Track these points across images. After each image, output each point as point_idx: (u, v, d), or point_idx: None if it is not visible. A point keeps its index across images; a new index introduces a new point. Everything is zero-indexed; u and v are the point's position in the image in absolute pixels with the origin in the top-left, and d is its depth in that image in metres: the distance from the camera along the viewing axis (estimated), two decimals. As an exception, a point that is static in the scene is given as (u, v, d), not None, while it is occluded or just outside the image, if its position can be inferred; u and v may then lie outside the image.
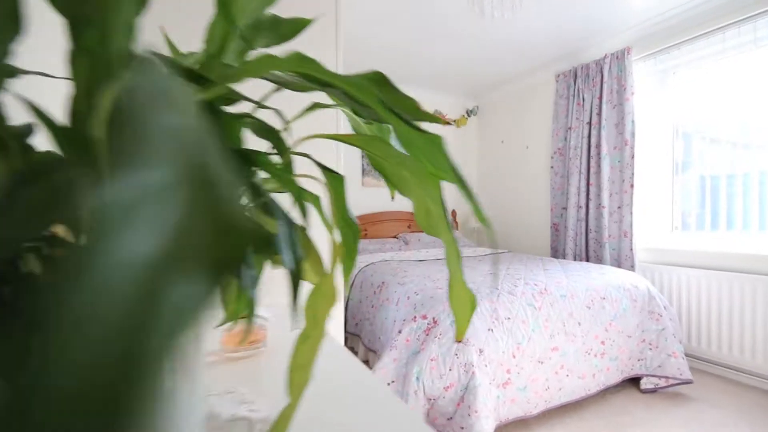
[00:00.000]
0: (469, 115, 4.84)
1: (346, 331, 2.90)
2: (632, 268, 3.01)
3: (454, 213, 4.63)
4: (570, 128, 3.51)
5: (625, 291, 2.36)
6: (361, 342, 2.57)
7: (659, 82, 3.11)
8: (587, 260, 3.38)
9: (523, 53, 3.57)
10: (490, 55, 3.59)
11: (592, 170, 3.31)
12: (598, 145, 3.28)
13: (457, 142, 4.80)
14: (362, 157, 4.18)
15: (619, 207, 3.15)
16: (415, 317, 1.88)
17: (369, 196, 4.27)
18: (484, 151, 4.83)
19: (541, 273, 2.48)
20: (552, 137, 3.73)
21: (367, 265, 3.02)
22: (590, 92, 3.35)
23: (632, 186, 3.06)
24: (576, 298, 2.18)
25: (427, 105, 4.59)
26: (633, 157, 3.06)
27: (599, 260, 3.25)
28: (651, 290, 2.45)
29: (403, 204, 4.45)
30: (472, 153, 4.92)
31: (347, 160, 4.16)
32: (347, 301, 2.95)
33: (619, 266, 3.12)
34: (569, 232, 3.45)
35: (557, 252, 3.68)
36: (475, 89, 4.56)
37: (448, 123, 4.68)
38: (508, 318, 1.93)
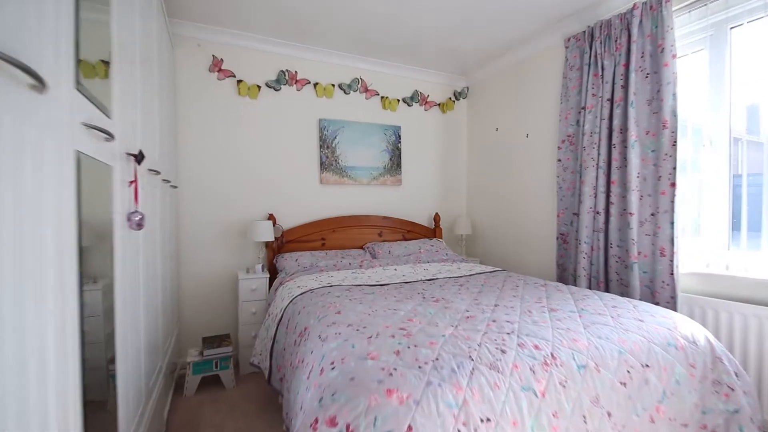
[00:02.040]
0: (457, 98, 3.97)
1: (269, 382, 2.06)
2: (673, 301, 2.15)
3: (436, 217, 3.77)
4: (584, 108, 2.64)
5: (677, 350, 1.50)
6: (282, 408, 1.73)
7: (712, 40, 2.24)
8: (606, 287, 2.51)
9: (521, 12, 2.70)
10: (480, 20, 2.72)
11: (614, 164, 2.44)
12: (624, 129, 2.42)
13: (442, 131, 3.94)
14: (321, 147, 3.33)
15: (653, 214, 2.29)
16: (316, 420, 1.03)
17: (329, 195, 3.41)
18: (475, 141, 3.97)
19: (544, 317, 1.62)
20: (560, 122, 2.87)
21: (303, 293, 2.17)
22: (612, 58, 2.49)
23: (673, 185, 2.19)
24: (604, 369, 1.33)
25: (406, 86, 3.72)
26: (675, 144, 2.20)
27: (624, 287, 2.39)
28: (715, 346, 1.59)
29: (376, 204, 3.59)
30: (460, 144, 4.05)
31: (300, 151, 3.30)
32: (273, 341, 2.10)
33: (653, 298, 2.26)
34: (582, 247, 2.59)
35: (566, 271, 2.82)
36: (464, 65, 3.69)
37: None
38: (488, 420, 1.08)
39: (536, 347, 1.32)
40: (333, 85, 3.38)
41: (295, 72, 3.23)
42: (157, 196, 1.91)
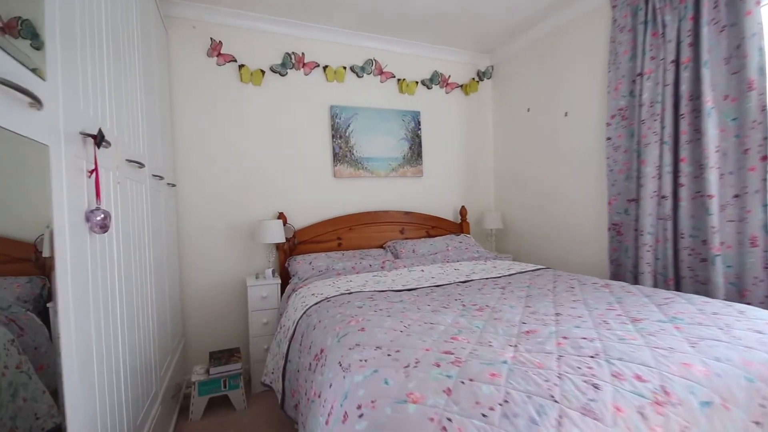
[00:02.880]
0: (481, 79, 3.59)
1: (282, 408, 1.75)
2: (772, 301, 1.74)
3: (463, 210, 3.40)
4: (641, 75, 2.25)
5: (820, 373, 1.11)
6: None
7: (809, -22, 1.81)
8: (677, 285, 2.11)
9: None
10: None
11: (683, 138, 2.04)
12: (695, 96, 2.01)
13: (465, 116, 3.56)
14: (333, 137, 3.00)
15: (737, 195, 1.88)
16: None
17: (344, 190, 3.09)
18: (502, 125, 3.58)
19: (630, 331, 1.25)
20: (608, 94, 2.47)
21: (318, 302, 1.84)
22: (675, 13, 2.08)
23: (765, 158, 1.78)
24: (733, 405, 0.96)
25: (425, 67, 3.37)
26: (765, 108, 1.79)
27: (701, 284, 1.98)
28: None
29: (396, 198, 3.25)
30: (485, 129, 3.67)
31: (310, 142, 2.98)
32: (285, 359, 1.79)
33: (741, 297, 1.85)
34: (644, 238, 2.19)
35: (621, 267, 2.42)
36: (488, 42, 3.31)
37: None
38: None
39: (638, 378, 0.96)
40: (344, 68, 3.05)
41: (302, 54, 2.91)
42: (142, 193, 1.61)
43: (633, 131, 2.33)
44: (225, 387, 2.27)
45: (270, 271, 2.58)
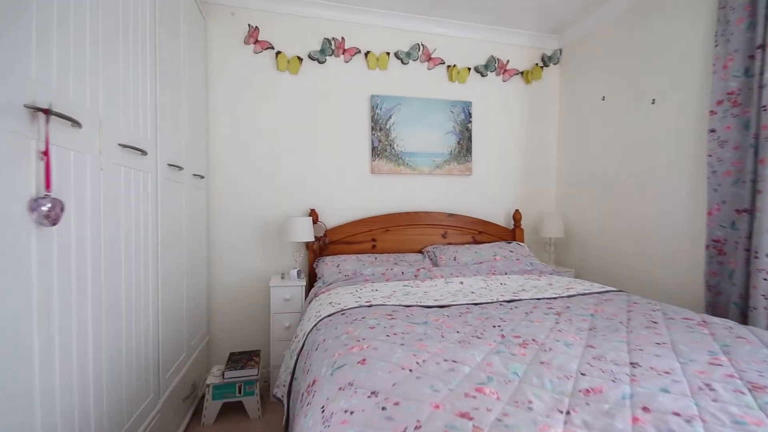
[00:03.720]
0: (545, 64, 3.13)
1: (286, 429, 1.55)
2: None
3: (516, 215, 2.98)
4: (762, 47, 1.70)
5: None
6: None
7: None
8: (813, 327, 1.55)
9: None
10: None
11: (830, 128, 1.48)
12: None
13: (525, 107, 3.12)
14: (372, 129, 2.76)
15: None
16: None
17: (381, 188, 2.83)
18: (570, 117, 3.08)
19: (755, 413, 0.83)
20: (713, 74, 1.93)
21: (332, 314, 1.61)
22: (825, -41, 1.52)
23: None
24: None
25: (479, 51, 2.99)
26: None
27: None
28: None
29: (439, 198, 2.93)
30: (549, 122, 3.19)
31: (347, 134, 2.76)
32: (292, 375, 1.57)
33: None
34: (761, 262, 1.65)
35: (721, 296, 1.88)
36: (556, 21, 2.85)
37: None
38: None
39: None
40: (388, 54, 2.79)
41: (342, 39, 2.70)
42: (145, 183, 1.48)
43: (748, 121, 1.78)
44: (240, 393, 2.13)
45: (295, 271, 2.40)
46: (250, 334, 2.59)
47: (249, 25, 2.54)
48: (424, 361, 1.04)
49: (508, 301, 1.79)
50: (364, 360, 1.04)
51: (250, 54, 2.58)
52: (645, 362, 1.07)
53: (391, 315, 1.50)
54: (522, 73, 3.10)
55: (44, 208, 0.85)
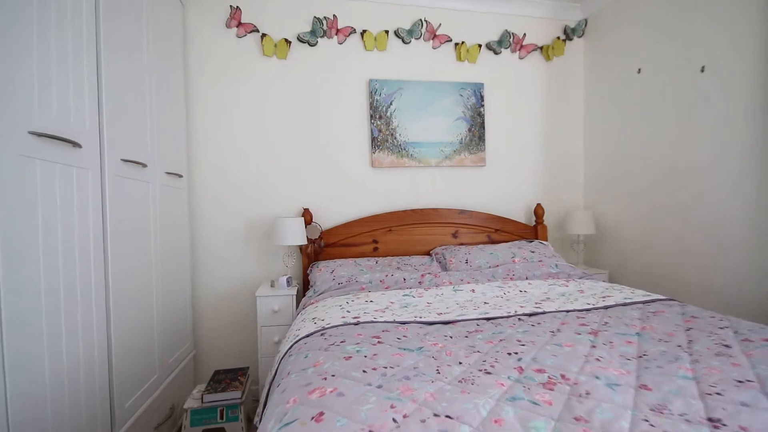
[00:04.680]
0: (569, 37, 2.74)
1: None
2: None
3: (538, 210, 2.62)
4: None
5: None
6: None
7: None
8: None
9: None
10: None
11: None
12: None
13: (546, 86, 2.75)
14: (372, 118, 2.46)
15: None
16: None
17: (383, 183, 2.53)
18: (599, 96, 2.68)
19: None
20: (786, 26, 1.53)
21: (311, 334, 1.32)
22: None
23: None
24: None
25: (492, 25, 2.64)
26: None
27: None
28: None
29: (449, 192, 2.60)
30: (574, 103, 2.81)
31: (343, 124, 2.48)
32: (264, 405, 1.29)
33: None
34: None
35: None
36: (581, -17, 2.47)
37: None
38: None
39: None
40: (387, 33, 2.48)
41: (335, 17, 2.42)
42: (82, 181, 1.23)
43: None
44: (222, 418, 1.87)
45: (284, 279, 2.14)
46: (240, 349, 2.35)
47: (230, 6, 2.29)
48: (404, 417, 0.74)
49: (529, 315, 1.46)
50: (321, 415, 0.74)
51: (233, 39, 2.33)
52: (731, 418, 0.73)
53: (378, 337, 1.20)
54: (541, 48, 2.72)
55: None
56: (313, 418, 0.74)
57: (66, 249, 1.16)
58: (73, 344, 1.18)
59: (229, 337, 2.34)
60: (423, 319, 1.41)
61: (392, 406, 0.77)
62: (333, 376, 0.92)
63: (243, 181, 2.36)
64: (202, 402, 1.86)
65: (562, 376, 0.92)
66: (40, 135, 1.04)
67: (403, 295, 1.75)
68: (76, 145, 1.18)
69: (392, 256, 2.41)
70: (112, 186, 1.41)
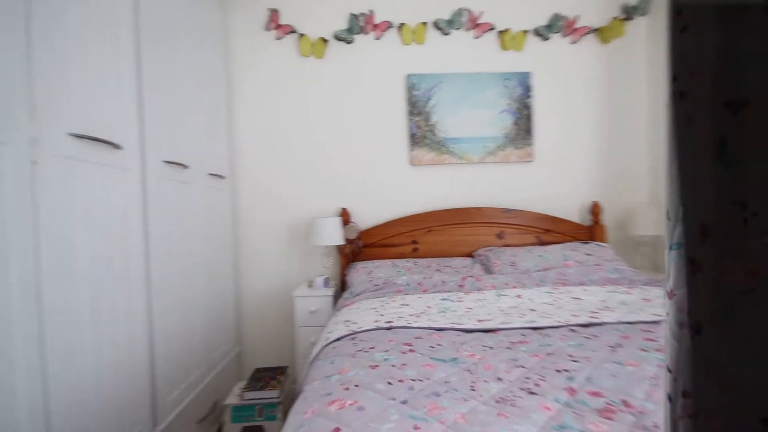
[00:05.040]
0: (629, 17, 2.47)
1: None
2: None
3: (595, 208, 2.38)
4: None
5: None
6: None
7: None
8: None
9: None
10: None
11: None
12: None
13: (602, 72, 2.50)
14: (410, 114, 2.38)
15: None
16: None
17: (422, 181, 2.44)
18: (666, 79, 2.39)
19: None
20: None
21: (340, 338, 1.27)
22: None
23: None
24: None
25: (539, 9, 2.45)
26: None
27: None
28: None
29: (493, 190, 2.45)
30: (636, 89, 2.52)
31: (381, 121, 2.42)
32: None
33: None
34: None
35: None
36: (644, -47, 2.20)
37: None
38: None
39: None
40: (425, 25, 2.39)
41: (371, 13, 2.37)
42: (113, 182, 1.28)
43: None
44: (260, 416, 1.89)
45: (321, 279, 2.12)
46: (280, 347, 2.37)
47: (269, 9, 2.33)
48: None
49: (584, 326, 1.30)
50: (336, 431, 0.68)
51: (272, 41, 2.36)
52: None
53: (410, 344, 1.12)
54: (597, 30, 2.48)
55: None
56: (328, 434, 0.67)
57: (109, 247, 1.20)
58: (116, 337, 1.22)
59: (270, 335, 2.37)
60: (461, 326, 1.30)
61: (416, 427, 0.68)
62: (356, 386, 0.85)
63: (282, 181, 2.38)
64: (242, 399, 1.89)
65: (624, 402, 0.78)
66: (81, 137, 1.08)
67: (442, 299, 1.65)
68: (116, 146, 1.22)
69: (432, 257, 2.30)
70: (153, 187, 1.45)
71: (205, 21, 2.01)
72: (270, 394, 1.90)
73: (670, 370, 0.32)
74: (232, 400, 1.91)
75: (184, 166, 1.69)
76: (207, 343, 1.91)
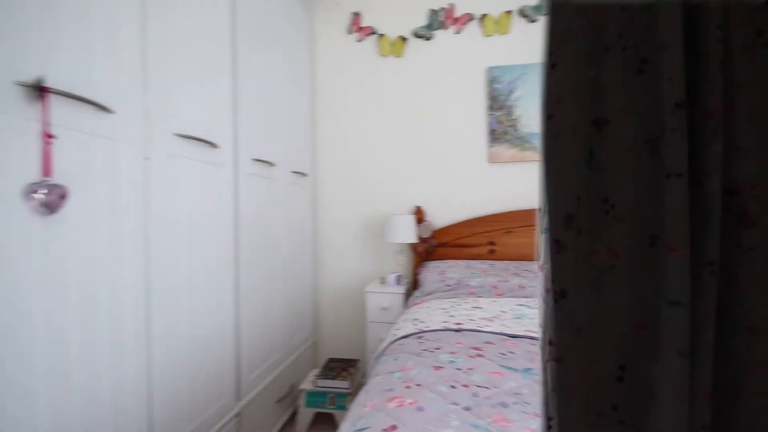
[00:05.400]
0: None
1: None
2: None
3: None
4: None
5: None
6: None
7: None
8: None
9: None
10: None
11: None
12: None
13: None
14: (489, 109, 2.27)
15: None
16: None
17: (501, 179, 2.30)
18: None
19: None
20: None
21: (407, 336, 1.26)
22: None
23: None
24: None
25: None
26: None
27: None
28: None
29: (574, 193, 2.21)
30: None
31: (458, 118, 2.35)
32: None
33: None
34: None
35: None
36: None
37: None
38: None
39: None
40: (509, 13, 2.25)
41: (451, 6, 2.31)
42: (206, 177, 1.43)
43: None
44: (332, 404, 1.96)
45: (394, 276, 2.13)
46: (353, 340, 2.44)
47: (352, 13, 2.41)
48: (491, 454, 0.60)
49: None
50: (393, 429, 0.66)
51: (354, 44, 2.44)
52: None
53: (479, 349, 1.05)
54: None
55: (41, 195, 0.78)
56: (384, 430, 0.66)
57: (204, 239, 1.35)
58: (208, 321, 1.37)
59: (344, 327, 2.46)
60: (536, 335, 1.19)
61: (478, 438, 0.63)
62: (418, 385, 0.83)
63: (360, 179, 2.44)
64: (315, 386, 1.99)
65: None
66: (184, 137, 1.23)
67: (518, 305, 1.53)
68: (213, 145, 1.37)
69: (510, 260, 2.16)
70: (244, 183, 1.60)
71: (294, 24, 2.15)
72: (341, 384, 1.96)
73: (540, 326, 0.40)
74: (307, 385, 2.02)
75: (271, 164, 1.83)
76: (286, 330, 2.04)
